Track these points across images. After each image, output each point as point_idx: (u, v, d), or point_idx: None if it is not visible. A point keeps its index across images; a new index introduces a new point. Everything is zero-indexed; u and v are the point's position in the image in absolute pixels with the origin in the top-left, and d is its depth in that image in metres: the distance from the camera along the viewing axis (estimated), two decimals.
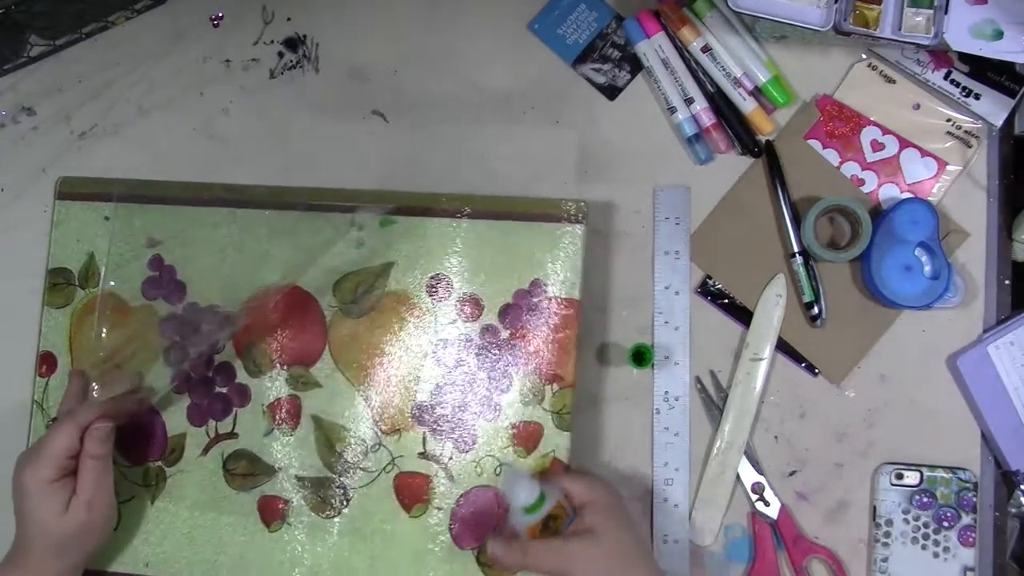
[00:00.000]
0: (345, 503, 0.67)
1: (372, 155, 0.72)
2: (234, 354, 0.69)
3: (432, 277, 0.68)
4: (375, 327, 0.68)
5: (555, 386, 0.65)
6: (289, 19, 0.75)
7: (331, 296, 0.68)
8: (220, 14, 0.75)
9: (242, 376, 0.69)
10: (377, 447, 0.67)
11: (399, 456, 0.67)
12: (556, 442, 0.65)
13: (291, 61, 0.74)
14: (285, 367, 0.69)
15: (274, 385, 0.69)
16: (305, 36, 0.74)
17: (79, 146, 0.75)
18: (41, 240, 0.73)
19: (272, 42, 0.75)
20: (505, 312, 0.67)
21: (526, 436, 0.65)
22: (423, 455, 0.66)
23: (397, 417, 0.67)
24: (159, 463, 0.69)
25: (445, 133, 0.72)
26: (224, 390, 0.69)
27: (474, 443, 0.66)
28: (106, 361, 0.70)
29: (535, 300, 0.66)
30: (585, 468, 0.67)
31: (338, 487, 0.67)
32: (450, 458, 0.66)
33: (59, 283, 0.72)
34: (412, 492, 0.66)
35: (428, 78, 0.73)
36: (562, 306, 0.66)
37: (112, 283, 0.71)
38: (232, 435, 0.69)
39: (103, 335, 0.70)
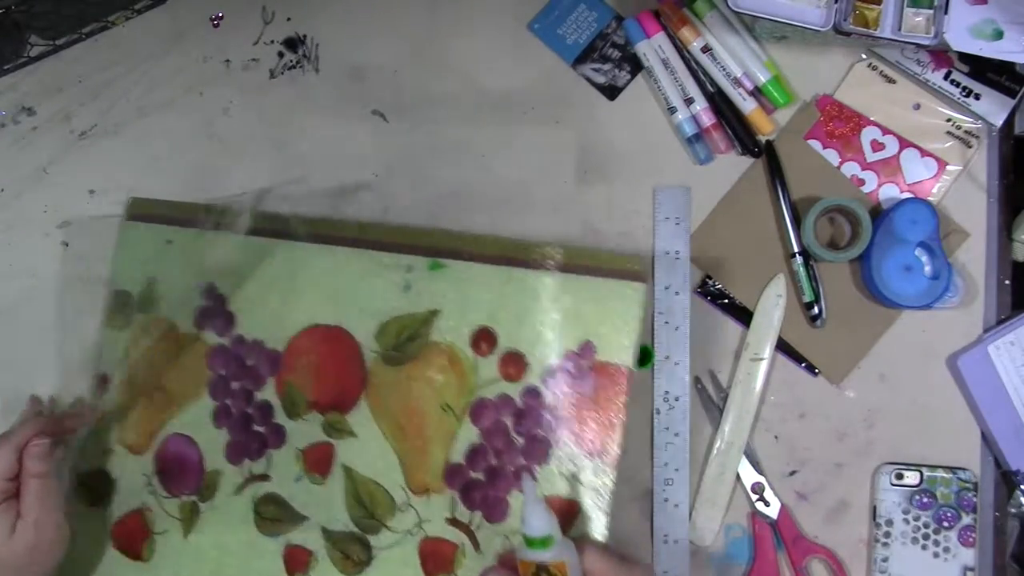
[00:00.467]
0: (368, 562, 0.64)
1: (372, 155, 0.72)
2: (275, 392, 0.67)
3: (478, 329, 0.62)
4: (414, 378, 0.63)
5: (597, 461, 0.59)
6: (289, 19, 0.75)
7: (373, 341, 0.65)
8: (220, 14, 0.75)
9: (280, 416, 0.66)
10: (405, 507, 0.63)
11: (427, 520, 0.62)
12: (593, 523, 0.59)
13: (291, 61, 0.74)
14: (321, 411, 0.65)
15: (309, 429, 0.65)
16: (305, 36, 0.74)
17: (79, 146, 0.75)
18: (40, 241, 0.73)
19: (272, 42, 0.75)
20: (551, 374, 0.61)
21: (561, 512, 0.59)
22: (451, 521, 0.62)
23: (428, 477, 0.63)
24: (194, 497, 0.67)
25: (445, 133, 0.72)
26: (261, 429, 0.67)
27: (506, 514, 0.61)
28: (157, 389, 0.69)
29: (584, 364, 0.60)
30: (633, 557, 0.57)
31: (363, 544, 0.64)
32: (479, 527, 0.61)
33: (119, 305, 0.70)
34: (437, 560, 0.62)
35: (428, 78, 0.73)
36: (612, 374, 0.60)
37: (168, 309, 0.69)
38: (265, 477, 0.66)
39: (154, 361, 0.69)
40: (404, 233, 0.66)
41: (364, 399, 0.64)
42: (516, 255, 0.62)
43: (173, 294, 0.69)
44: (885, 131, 0.69)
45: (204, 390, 0.68)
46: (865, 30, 0.63)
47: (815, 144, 0.69)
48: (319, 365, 0.66)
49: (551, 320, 0.61)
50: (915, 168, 0.68)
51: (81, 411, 0.68)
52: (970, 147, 0.68)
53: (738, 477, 0.67)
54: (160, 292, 0.70)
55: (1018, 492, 0.66)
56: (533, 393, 0.61)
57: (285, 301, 0.67)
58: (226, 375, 0.67)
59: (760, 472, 0.67)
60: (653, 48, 0.70)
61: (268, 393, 0.67)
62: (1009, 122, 0.68)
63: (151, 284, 0.70)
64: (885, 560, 0.65)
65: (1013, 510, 0.67)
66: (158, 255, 0.70)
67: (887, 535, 0.66)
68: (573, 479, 0.60)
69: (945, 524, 0.65)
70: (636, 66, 0.72)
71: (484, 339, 0.62)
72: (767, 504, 0.67)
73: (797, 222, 0.67)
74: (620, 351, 0.60)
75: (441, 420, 0.63)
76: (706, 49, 0.70)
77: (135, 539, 0.68)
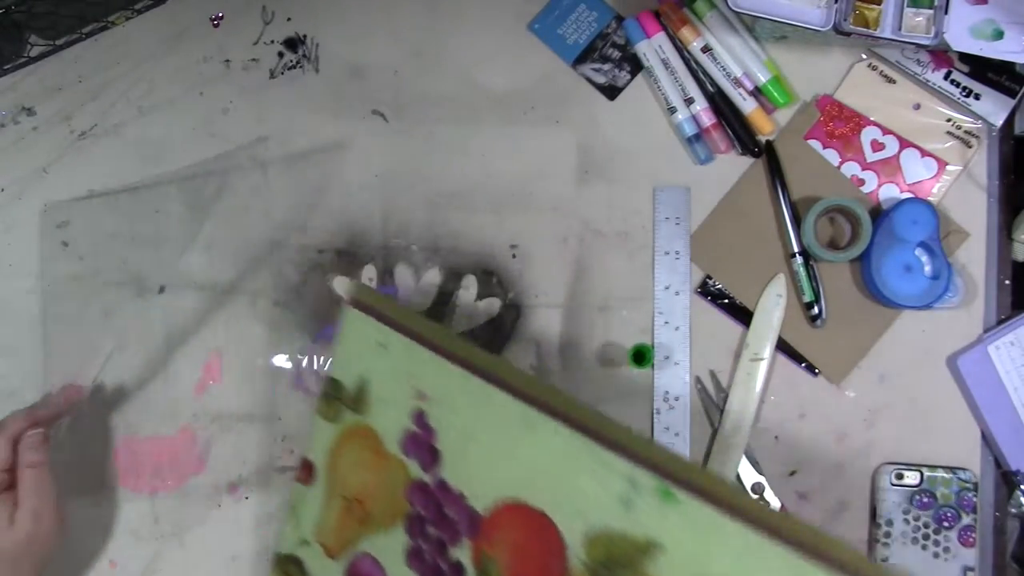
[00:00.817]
0: None
1: (372, 155, 0.72)
2: (470, 558, 0.57)
3: None
4: None
5: None
6: (289, 19, 0.75)
7: (580, 548, 0.54)
8: (220, 14, 0.75)
9: None
10: None
11: None
12: None
13: (291, 61, 0.74)
14: None
15: None
16: (305, 36, 0.74)
17: (79, 146, 0.75)
18: (40, 241, 0.73)
19: (272, 42, 0.75)
20: None
21: None
22: None
23: None
24: None
25: (445, 133, 0.72)
26: None
27: None
28: (356, 499, 0.63)
29: None
30: None
31: None
32: None
33: (332, 395, 0.64)
34: None
35: (428, 78, 0.73)
36: None
37: (377, 420, 0.62)
38: None
39: (359, 470, 0.63)
40: (627, 435, 0.54)
41: None
42: (754, 512, 0.48)
43: (384, 406, 0.62)
44: (885, 131, 0.69)
45: (400, 522, 0.60)
46: (865, 30, 0.63)
47: (815, 144, 0.69)
48: (522, 548, 0.56)
49: None
50: (915, 168, 0.68)
51: (71, 396, 0.68)
52: (970, 147, 0.68)
53: (738, 477, 0.67)
54: (372, 398, 0.62)
55: (1018, 492, 0.66)
56: None
57: (494, 463, 0.57)
58: (424, 516, 0.59)
59: (760, 472, 0.67)
60: (653, 48, 0.70)
61: (463, 554, 0.57)
62: (1009, 122, 0.68)
63: (364, 385, 0.62)
64: (885, 560, 0.65)
65: (1013, 510, 0.67)
66: (374, 355, 0.62)
67: (887, 535, 0.66)
68: None
69: (945, 524, 0.65)
70: (636, 66, 0.72)
71: None
72: (767, 504, 0.67)
73: (797, 222, 0.68)
74: None
75: None
76: (706, 49, 0.70)
77: None
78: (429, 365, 0.58)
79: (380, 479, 0.61)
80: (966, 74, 0.68)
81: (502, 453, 0.56)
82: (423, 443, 0.59)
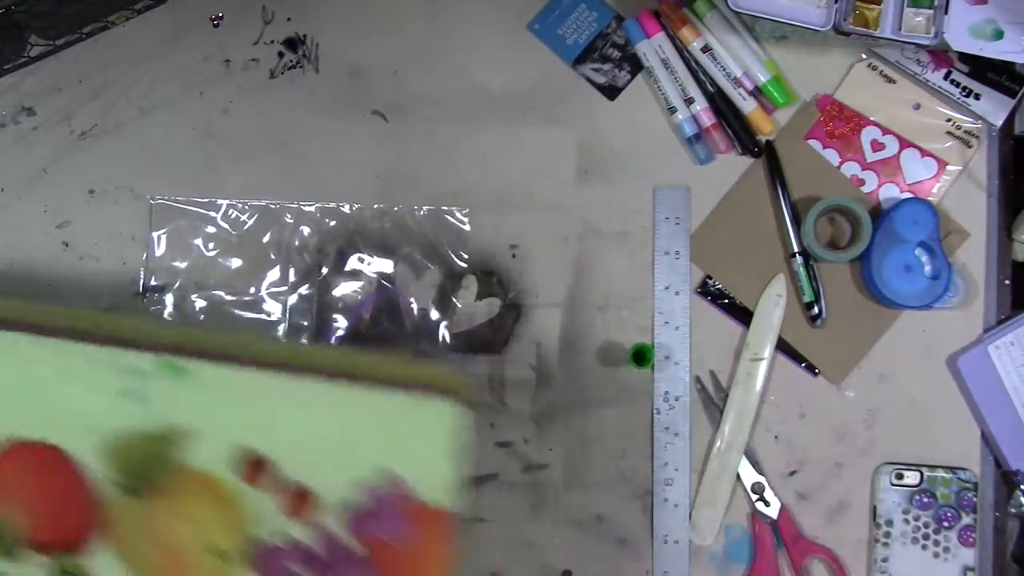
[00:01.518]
0: None
1: (372, 155, 0.72)
2: None
3: (243, 452, 0.49)
4: (167, 514, 0.49)
5: None
6: (289, 19, 0.75)
7: (104, 464, 0.49)
8: (220, 14, 0.75)
9: None
10: None
11: None
12: None
13: (291, 61, 0.74)
14: (47, 553, 0.50)
15: (34, 575, 0.51)
16: (305, 36, 0.74)
17: (79, 146, 0.75)
18: (40, 241, 0.73)
19: (272, 42, 0.75)
20: (350, 514, 0.48)
21: None
22: None
23: None
24: None
25: (445, 133, 0.72)
26: None
27: None
28: None
29: (394, 504, 0.47)
30: None
31: None
32: None
33: None
34: None
35: (428, 78, 0.73)
36: (431, 518, 0.47)
37: None
38: None
39: None
40: (123, 325, 0.51)
41: (103, 539, 0.50)
42: (284, 358, 0.48)
43: None
44: (885, 131, 0.69)
45: None
46: (865, 30, 0.63)
47: (815, 144, 0.69)
48: (36, 491, 0.50)
49: (342, 443, 0.48)
50: (915, 168, 0.68)
51: None
52: (970, 147, 0.68)
53: (738, 477, 0.67)
54: None
55: (1018, 492, 0.66)
56: (328, 539, 0.48)
57: None
58: None
59: (760, 472, 0.67)
60: (653, 48, 0.70)
61: None
62: (1009, 122, 0.68)
63: None
64: (885, 560, 0.65)
65: (1013, 510, 0.67)
66: None
67: (887, 535, 0.66)
68: None
69: (945, 524, 0.65)
70: (636, 66, 0.72)
71: (254, 467, 0.49)
72: (767, 504, 0.67)
73: (797, 222, 0.67)
74: (438, 490, 0.47)
75: (211, 566, 0.49)
76: (706, 49, 0.70)
77: None
78: None
79: None
80: (966, 74, 0.68)
81: None
82: None
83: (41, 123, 0.75)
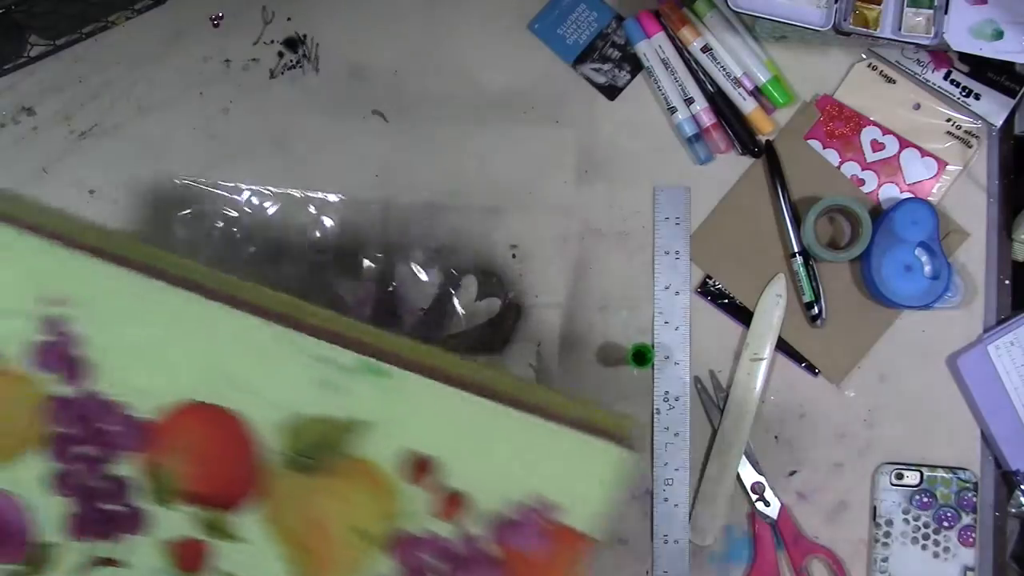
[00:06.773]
0: None
1: (372, 155, 0.72)
2: (142, 470, 0.53)
3: (411, 453, 0.51)
4: (326, 493, 0.52)
5: None
6: (289, 19, 0.75)
7: (278, 439, 0.53)
8: (220, 14, 0.75)
9: (141, 498, 0.54)
10: None
11: None
12: None
13: (291, 61, 0.74)
14: (200, 505, 0.53)
15: (180, 521, 0.54)
16: (305, 36, 0.74)
17: (79, 146, 0.75)
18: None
19: (272, 42, 0.75)
20: (497, 523, 0.51)
21: None
22: None
23: None
24: (22, 567, 0.54)
25: (445, 133, 0.72)
26: (114, 507, 0.54)
27: None
28: None
29: (541, 522, 0.50)
30: None
31: None
32: None
33: None
34: None
35: (428, 78, 0.73)
36: (573, 542, 0.50)
37: None
38: (113, 563, 0.54)
39: None
40: (336, 321, 0.54)
41: (256, 503, 0.53)
42: (475, 380, 0.51)
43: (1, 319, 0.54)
44: (885, 131, 0.69)
45: (34, 447, 0.54)
46: (865, 30, 0.63)
47: (815, 144, 0.69)
48: (203, 450, 0.53)
49: (507, 464, 0.51)
50: (915, 168, 0.68)
51: None
52: (970, 147, 0.68)
53: (738, 477, 0.67)
54: None
55: (1018, 492, 0.66)
56: (472, 541, 0.51)
57: (168, 365, 0.53)
58: (69, 434, 0.54)
59: (760, 472, 0.67)
60: (653, 48, 0.70)
61: (127, 469, 0.54)
62: (1009, 122, 0.68)
63: None
64: (885, 560, 0.65)
65: (1013, 510, 0.67)
66: None
67: (887, 535, 0.66)
68: None
69: (945, 524, 0.65)
70: (636, 66, 0.72)
71: (419, 467, 0.52)
72: (767, 504, 0.67)
73: (797, 222, 0.68)
74: (585, 519, 0.49)
75: (353, 544, 0.52)
76: (706, 49, 0.70)
77: None
78: (70, 265, 0.53)
79: None
80: (966, 74, 0.68)
81: (178, 354, 0.53)
82: (62, 353, 0.53)
83: (41, 123, 0.75)
